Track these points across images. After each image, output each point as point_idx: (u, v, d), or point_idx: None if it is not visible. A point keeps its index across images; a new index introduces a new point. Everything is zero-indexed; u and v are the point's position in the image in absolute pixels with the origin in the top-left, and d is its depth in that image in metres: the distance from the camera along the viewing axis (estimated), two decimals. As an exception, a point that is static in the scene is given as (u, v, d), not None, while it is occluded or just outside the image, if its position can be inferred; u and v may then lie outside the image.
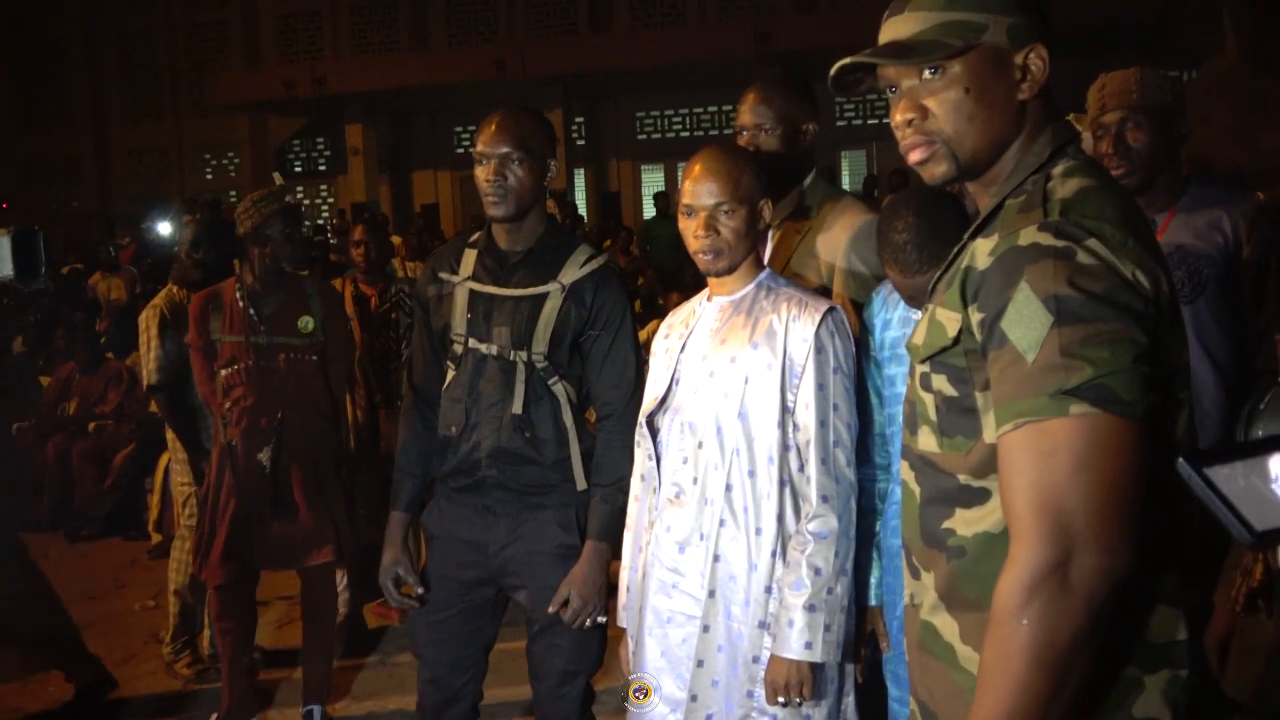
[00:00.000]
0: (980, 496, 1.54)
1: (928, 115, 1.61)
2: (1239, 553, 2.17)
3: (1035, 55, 1.58)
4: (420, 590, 3.00)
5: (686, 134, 19.95)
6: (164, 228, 14.68)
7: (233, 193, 20.38)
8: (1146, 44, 12.88)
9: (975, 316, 1.50)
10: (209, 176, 22.28)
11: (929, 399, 1.63)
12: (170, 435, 4.88)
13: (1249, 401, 1.90)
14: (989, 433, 1.51)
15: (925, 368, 1.64)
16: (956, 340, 1.55)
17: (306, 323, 4.07)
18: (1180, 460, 0.71)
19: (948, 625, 1.62)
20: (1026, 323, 1.41)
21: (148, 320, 4.73)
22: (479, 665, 3.07)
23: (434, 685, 3.04)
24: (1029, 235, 1.46)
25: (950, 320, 1.56)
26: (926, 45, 1.60)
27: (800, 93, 2.95)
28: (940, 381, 1.60)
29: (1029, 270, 1.43)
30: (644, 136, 20.57)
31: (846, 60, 1.65)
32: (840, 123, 18.59)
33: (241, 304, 4.04)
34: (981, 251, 1.52)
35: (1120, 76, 2.97)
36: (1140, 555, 1.37)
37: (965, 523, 1.58)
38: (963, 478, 1.58)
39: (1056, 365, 1.38)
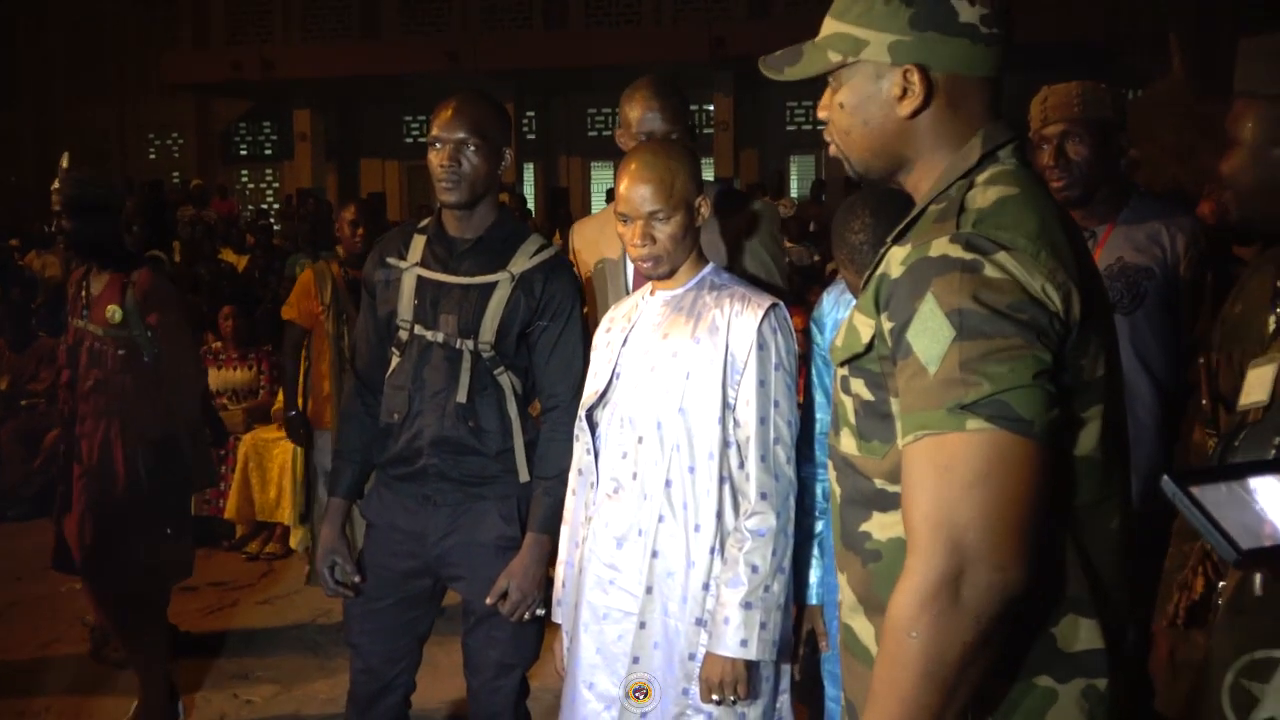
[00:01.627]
0: (895, 501, 1.53)
1: (831, 119, 1.67)
2: (1170, 575, 2.19)
3: (911, 75, 1.56)
4: (357, 578, 2.96)
5: (637, 133, 19.93)
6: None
7: (176, 174, 20.10)
8: (1095, 63, 13.07)
9: (886, 325, 1.50)
10: (152, 157, 21.95)
11: (848, 402, 1.64)
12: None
13: (1223, 439, 1.92)
14: (899, 440, 1.52)
15: (844, 371, 1.64)
16: (870, 347, 1.55)
17: (114, 313, 3.90)
18: (1165, 478, 0.72)
19: (865, 628, 1.63)
20: (930, 335, 1.41)
21: None
22: (413, 656, 3.04)
23: (367, 675, 3.00)
24: (940, 246, 1.45)
25: (865, 326, 1.56)
26: (809, 58, 1.65)
27: (682, 97, 3.06)
28: (858, 385, 1.61)
29: (936, 282, 1.43)
30: (595, 134, 20.54)
31: (762, 65, 1.72)
32: (790, 127, 18.67)
33: (82, 285, 4.00)
34: (895, 260, 1.51)
35: (1062, 90, 3.01)
36: (1035, 572, 1.36)
37: (881, 527, 1.59)
38: (879, 482, 1.59)
39: (955, 380, 1.38)
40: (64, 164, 3.95)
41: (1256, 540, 0.68)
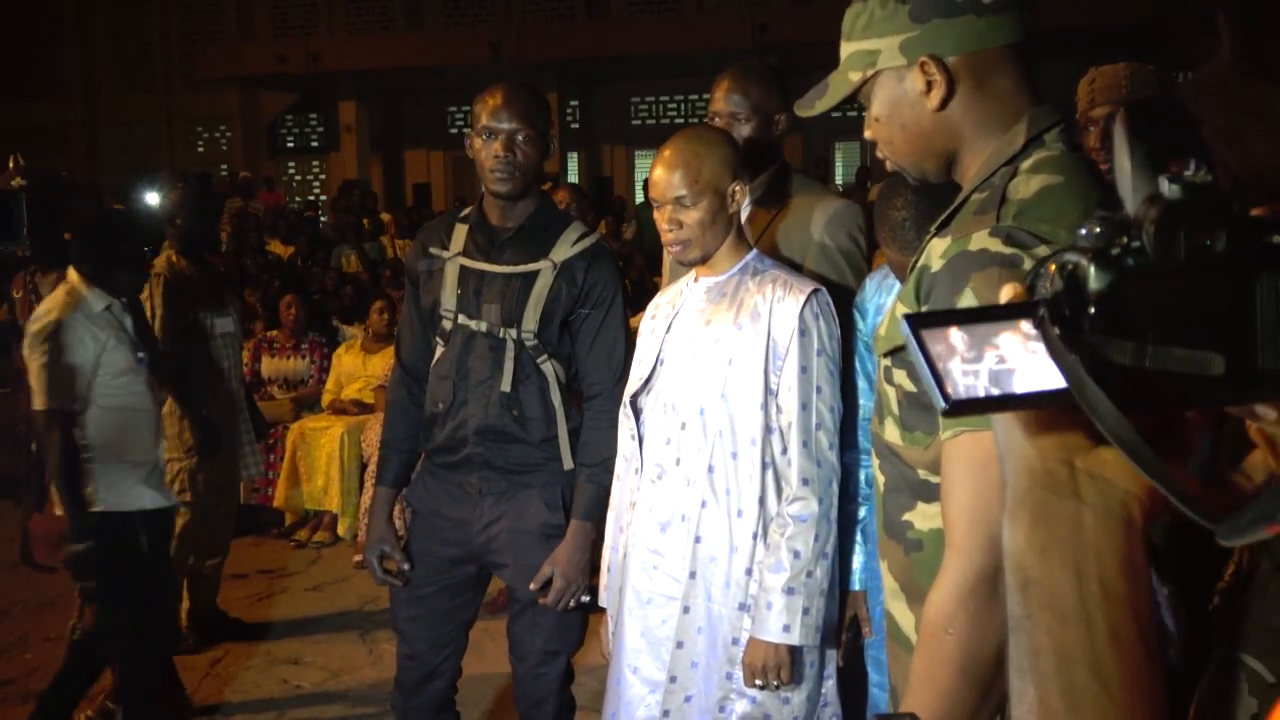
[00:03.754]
0: (938, 492, 1.53)
1: (875, 135, 1.68)
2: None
3: (928, 67, 1.56)
4: (405, 566, 2.99)
5: (681, 120, 19.90)
6: (151, 198, 14.60)
7: (224, 166, 20.27)
8: (1140, 46, 12.89)
9: None
10: (200, 149, 22.12)
11: (891, 392, 1.63)
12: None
13: None
14: (941, 434, 1.51)
15: (887, 361, 1.64)
16: None
17: None
18: (903, 318, 0.72)
19: (905, 616, 1.63)
20: None
21: (149, 288, 4.58)
22: (459, 642, 3.07)
23: (413, 661, 3.03)
24: (979, 240, 1.44)
25: None
26: (834, 86, 1.68)
27: (774, 84, 2.96)
28: (900, 377, 1.60)
29: (975, 277, 1.42)
30: (638, 122, 20.51)
31: (797, 108, 1.81)
32: (835, 114, 18.49)
33: (27, 286, 3.99)
34: (936, 252, 1.51)
35: (1110, 71, 2.97)
36: None
37: (924, 517, 1.59)
38: (922, 472, 1.59)
39: None
40: (11, 163, 3.89)
41: (970, 391, 0.69)
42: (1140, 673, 0.71)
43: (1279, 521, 0.67)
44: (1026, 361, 0.69)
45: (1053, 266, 0.69)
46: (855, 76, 1.63)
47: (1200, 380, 0.66)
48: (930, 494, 1.57)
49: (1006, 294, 0.73)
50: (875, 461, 1.72)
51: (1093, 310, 0.67)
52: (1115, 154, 0.71)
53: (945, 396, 0.69)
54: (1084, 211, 1.45)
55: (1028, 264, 1.40)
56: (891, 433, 1.65)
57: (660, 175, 2.47)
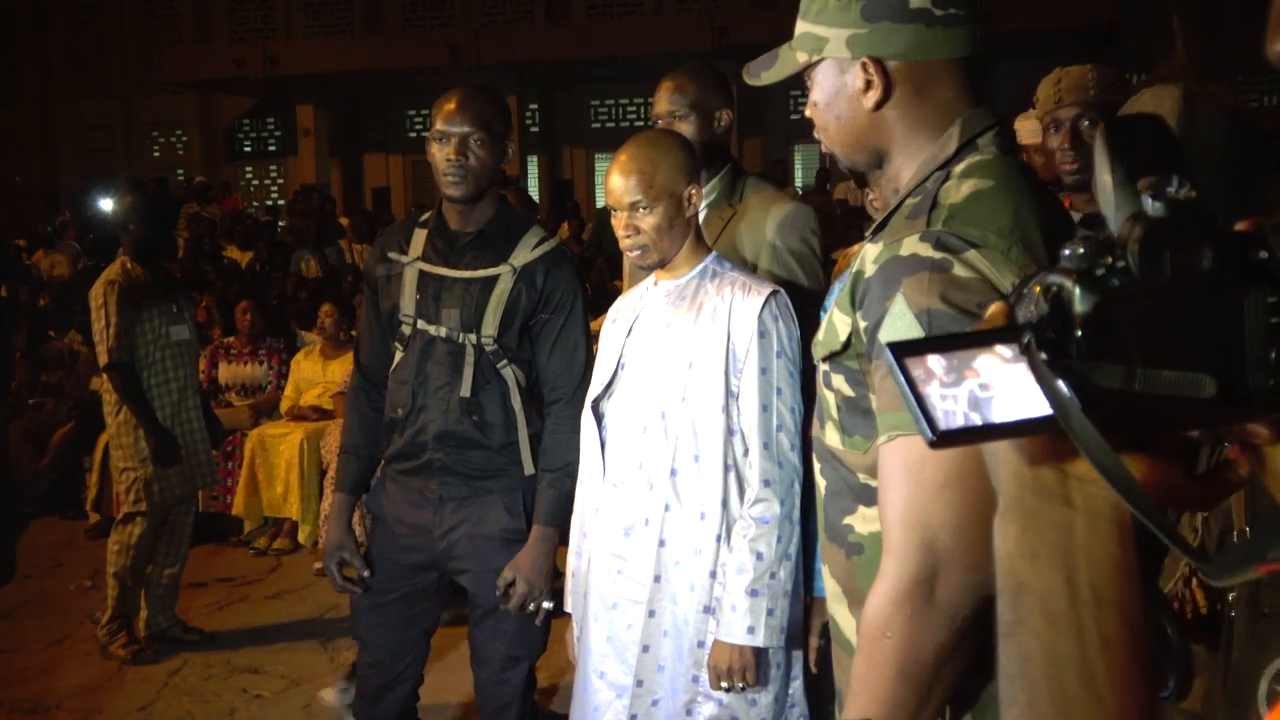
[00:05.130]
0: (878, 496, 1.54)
1: (812, 117, 1.68)
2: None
3: (869, 67, 1.55)
4: (365, 573, 2.97)
5: (641, 123, 19.89)
6: (107, 204, 14.47)
7: (180, 171, 20.10)
8: (1096, 48, 13.02)
9: (861, 323, 1.49)
10: (156, 154, 21.92)
11: (830, 397, 1.63)
12: (110, 415, 4.79)
13: None
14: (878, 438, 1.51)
15: (825, 366, 1.63)
16: (847, 344, 1.55)
17: None
18: (885, 346, 0.70)
19: (847, 620, 1.63)
20: (900, 335, 1.39)
21: (104, 295, 4.57)
22: (421, 649, 3.05)
23: (375, 669, 3.01)
24: (910, 245, 1.44)
25: (842, 323, 1.55)
26: (782, 60, 1.68)
27: (712, 82, 2.98)
28: (839, 381, 1.60)
29: (906, 282, 1.42)
30: (598, 125, 20.51)
31: (744, 73, 1.78)
32: (794, 116, 18.63)
33: None
34: (869, 257, 1.50)
35: (1076, 72, 2.98)
36: None
37: (864, 520, 1.59)
38: (862, 476, 1.58)
39: None
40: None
41: (954, 420, 0.67)
42: (1131, 679, 0.70)
43: (1270, 560, 0.66)
44: (1006, 386, 0.68)
45: (1037, 288, 0.67)
46: (802, 58, 1.64)
47: (1190, 402, 0.64)
48: (871, 497, 1.56)
49: (990, 312, 0.72)
50: (816, 465, 1.71)
51: (1079, 333, 0.65)
52: (1096, 170, 0.70)
53: (932, 427, 0.68)
54: (1014, 215, 1.45)
55: (957, 268, 1.40)
56: (831, 437, 1.64)
57: (616, 181, 2.47)
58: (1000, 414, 0.68)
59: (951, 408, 0.68)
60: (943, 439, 0.67)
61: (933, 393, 0.68)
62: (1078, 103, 2.94)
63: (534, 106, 19.73)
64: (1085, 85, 2.94)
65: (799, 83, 1.70)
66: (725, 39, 16.13)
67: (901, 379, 0.68)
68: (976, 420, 0.68)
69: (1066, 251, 0.67)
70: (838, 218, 9.86)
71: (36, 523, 7.00)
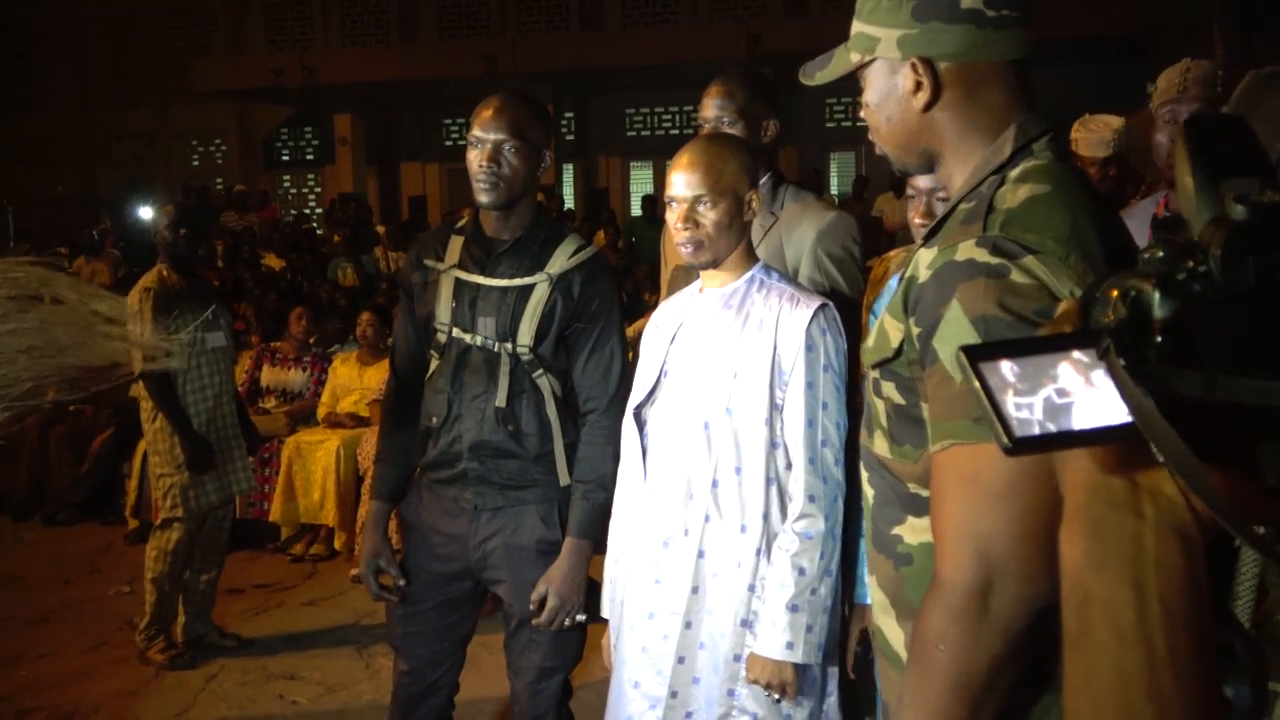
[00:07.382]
0: (928, 506, 1.50)
1: (866, 118, 1.67)
2: None
3: (918, 68, 1.54)
4: (401, 582, 2.96)
5: (676, 132, 19.89)
6: (146, 212, 14.59)
7: (219, 180, 20.25)
8: (1133, 53, 12.91)
9: (914, 330, 1.47)
10: (195, 163, 22.09)
11: (880, 405, 1.61)
12: (147, 421, 4.82)
13: None
14: (930, 447, 1.49)
15: (875, 374, 1.61)
16: (899, 351, 1.53)
17: None
18: (959, 350, 0.68)
19: (895, 632, 1.61)
20: (955, 342, 1.38)
21: (139, 301, 4.60)
22: (456, 658, 3.04)
23: (410, 677, 3.00)
24: (966, 250, 1.42)
25: (894, 330, 1.53)
26: (836, 60, 1.67)
27: (762, 90, 2.96)
28: (889, 389, 1.58)
29: (961, 288, 1.40)
30: (633, 133, 20.52)
31: (801, 74, 1.78)
32: (830, 124, 18.58)
33: None
34: (923, 262, 1.48)
35: (1207, 65, 2.90)
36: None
37: (913, 530, 1.57)
38: (911, 486, 1.56)
39: None
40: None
41: (1030, 429, 0.65)
42: (1198, 696, 0.68)
43: None
44: (1086, 394, 0.66)
45: (1114, 292, 0.65)
46: (855, 58, 1.63)
47: (1274, 412, 0.62)
48: (920, 507, 1.55)
49: (1061, 310, 0.70)
50: (864, 474, 1.70)
51: (1159, 339, 0.63)
52: (1177, 171, 0.68)
53: (1009, 435, 0.66)
54: (1072, 222, 1.43)
55: (1014, 274, 1.38)
56: (880, 445, 1.62)
57: (681, 174, 2.46)
58: (1080, 421, 0.66)
59: (1026, 415, 0.66)
60: (1019, 446, 0.65)
61: (1007, 400, 0.66)
62: (1200, 98, 2.85)
63: (569, 115, 19.76)
64: (1212, 81, 2.87)
65: (836, 90, 1.69)
66: (759, 47, 16.08)
67: (977, 385, 0.66)
68: (1052, 427, 0.66)
69: (1146, 255, 0.65)
70: (875, 227, 9.79)
71: (75, 529, 7.06)
